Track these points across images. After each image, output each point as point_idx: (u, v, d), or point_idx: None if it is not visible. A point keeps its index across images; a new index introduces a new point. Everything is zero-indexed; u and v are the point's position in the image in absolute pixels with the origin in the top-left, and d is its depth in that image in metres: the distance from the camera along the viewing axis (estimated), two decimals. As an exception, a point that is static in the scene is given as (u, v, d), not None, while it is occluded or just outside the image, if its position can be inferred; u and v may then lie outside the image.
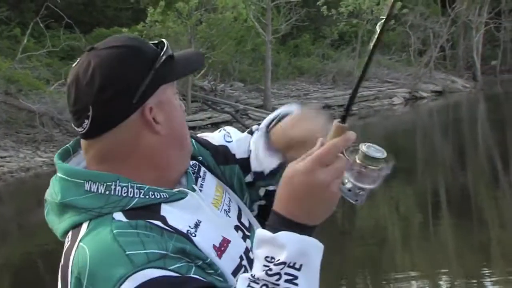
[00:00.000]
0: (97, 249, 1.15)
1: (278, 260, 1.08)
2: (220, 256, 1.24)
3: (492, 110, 23.28)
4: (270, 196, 1.42)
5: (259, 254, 1.11)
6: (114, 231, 1.16)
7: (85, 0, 27.11)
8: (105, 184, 1.22)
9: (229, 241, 1.27)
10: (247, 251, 1.31)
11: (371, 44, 1.15)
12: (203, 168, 1.40)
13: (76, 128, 1.26)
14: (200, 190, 1.33)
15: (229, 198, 1.39)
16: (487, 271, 6.59)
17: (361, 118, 22.52)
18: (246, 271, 1.25)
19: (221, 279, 1.20)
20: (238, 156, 1.47)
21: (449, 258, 7.39)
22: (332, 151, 1.11)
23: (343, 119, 1.15)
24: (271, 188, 1.44)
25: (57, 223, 1.26)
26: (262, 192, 1.47)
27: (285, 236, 1.09)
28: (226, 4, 21.33)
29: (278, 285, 1.08)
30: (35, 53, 20.17)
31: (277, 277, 1.08)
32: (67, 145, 1.34)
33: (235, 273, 1.24)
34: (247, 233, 1.36)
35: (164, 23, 20.69)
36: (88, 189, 1.22)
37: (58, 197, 1.24)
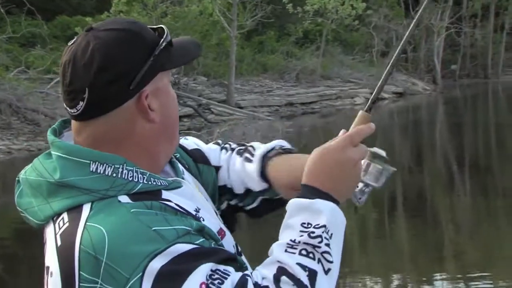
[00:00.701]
0: (116, 228, 1.13)
1: (318, 224, 1.15)
2: (222, 239, 1.27)
3: (451, 113, 23.72)
4: (230, 209, 1.48)
5: (293, 222, 1.17)
6: (132, 210, 1.15)
7: (48, -13, 26.66)
8: (113, 166, 1.20)
9: (224, 231, 1.30)
10: (236, 243, 1.34)
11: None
12: (181, 165, 1.41)
13: (68, 109, 1.22)
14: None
15: (204, 195, 1.41)
16: (439, 270, 6.72)
17: (323, 116, 22.70)
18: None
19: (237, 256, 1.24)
20: (212, 162, 1.49)
21: (403, 256, 7.51)
22: (361, 134, 1.25)
23: (369, 110, 1.29)
24: (232, 203, 1.48)
25: (41, 204, 1.21)
26: (224, 205, 1.49)
27: (322, 203, 1.18)
28: (192, -3, 21.25)
29: (319, 247, 1.13)
30: (-5, 39, 19.78)
31: (319, 239, 1.14)
32: (53, 125, 1.32)
33: None
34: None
35: (129, 14, 20.51)
36: (94, 170, 1.19)
37: (55, 176, 1.20)
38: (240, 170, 1.46)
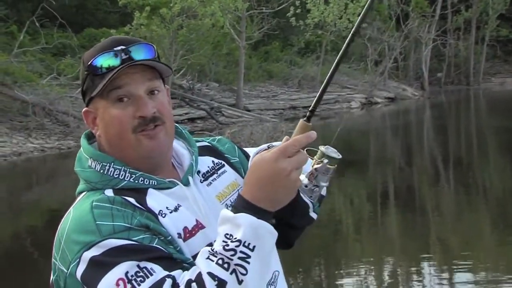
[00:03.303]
0: (76, 216, 1.19)
1: (235, 237, 1.10)
2: (186, 238, 1.24)
3: (437, 116, 23.62)
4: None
5: (220, 231, 1.13)
6: (94, 203, 1.19)
7: (77, 3, 26.71)
8: (101, 164, 1.26)
9: (203, 227, 1.27)
10: None
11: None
12: (226, 168, 1.42)
13: None
14: (210, 184, 1.36)
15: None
16: (427, 257, 6.70)
17: (322, 119, 22.65)
18: None
19: (179, 254, 1.21)
20: None
21: (394, 245, 7.49)
22: (295, 145, 1.14)
23: (308, 119, 1.20)
24: None
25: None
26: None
27: (243, 217, 1.12)
28: (205, 12, 21.21)
29: (232, 260, 1.09)
30: (30, 49, 19.83)
31: (232, 252, 1.10)
32: None
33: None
34: None
35: (148, 27, 20.51)
36: (90, 165, 1.28)
37: (75, 166, 1.31)
38: None
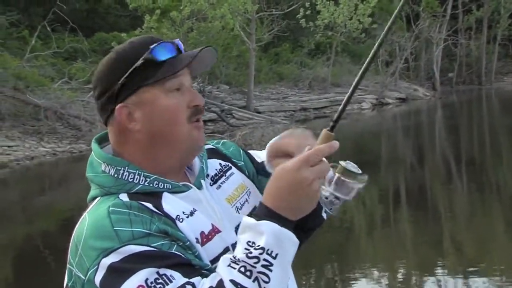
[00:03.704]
0: (93, 221, 1.17)
1: (259, 245, 1.10)
2: (204, 243, 1.23)
3: (448, 116, 23.49)
4: None
5: (242, 238, 1.13)
6: (110, 208, 1.17)
7: (88, 7, 26.87)
8: (115, 168, 1.24)
9: (218, 232, 1.27)
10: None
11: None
12: (233, 171, 1.42)
13: None
14: (219, 187, 1.36)
15: (246, 198, 1.40)
16: (440, 261, 6.65)
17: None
18: None
19: (198, 260, 1.20)
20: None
21: (406, 248, 7.45)
22: (317, 154, 1.15)
23: (332, 129, 1.20)
24: None
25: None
26: None
27: (266, 224, 1.11)
28: (215, 14, 21.26)
29: (255, 267, 1.09)
30: (42, 53, 19.96)
31: (255, 260, 1.09)
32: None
33: (215, 260, 1.22)
34: None
35: (159, 30, 20.58)
36: (103, 169, 1.26)
37: (87, 171, 1.29)
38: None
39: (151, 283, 1.09)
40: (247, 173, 1.45)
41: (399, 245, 7.44)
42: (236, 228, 1.30)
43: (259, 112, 22.49)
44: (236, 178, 1.41)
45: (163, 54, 1.25)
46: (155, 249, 1.12)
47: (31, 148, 15.44)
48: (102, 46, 23.38)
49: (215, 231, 1.26)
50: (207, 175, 1.37)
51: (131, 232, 1.13)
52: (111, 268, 1.11)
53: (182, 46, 1.30)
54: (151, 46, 1.24)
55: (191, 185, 1.29)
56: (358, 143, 14.49)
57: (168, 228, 1.17)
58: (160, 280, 1.09)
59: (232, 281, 1.08)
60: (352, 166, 1.18)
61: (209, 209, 1.29)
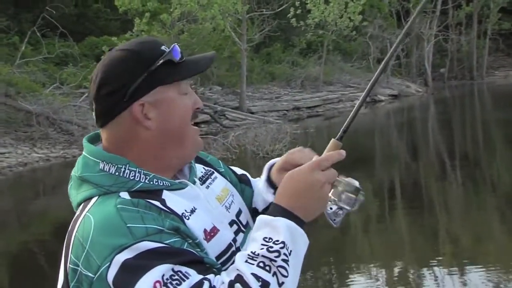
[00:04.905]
0: (101, 219, 1.16)
1: (278, 240, 1.13)
2: (208, 240, 1.24)
3: (441, 112, 23.57)
4: None
5: (257, 235, 1.15)
6: (118, 206, 1.17)
7: (78, 12, 26.79)
8: (116, 166, 1.23)
9: (218, 230, 1.28)
10: (234, 242, 1.32)
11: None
12: (216, 175, 1.45)
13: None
14: (207, 187, 1.38)
15: (232, 200, 1.42)
16: (435, 255, 6.67)
17: (327, 118, 22.66)
18: (230, 257, 1.26)
19: (209, 258, 1.21)
20: (252, 186, 1.55)
21: (402, 244, 7.47)
22: (328, 159, 1.24)
23: (340, 138, 1.29)
24: None
25: (75, 195, 1.27)
26: None
27: (282, 220, 1.16)
28: (205, 16, 21.24)
29: (275, 261, 1.11)
30: (32, 59, 19.87)
31: (276, 254, 1.12)
32: (98, 130, 1.37)
33: (219, 257, 1.25)
34: (242, 228, 1.38)
35: (149, 33, 20.54)
36: (102, 168, 1.24)
37: (78, 171, 1.26)
38: (258, 187, 1.51)
39: (167, 279, 1.09)
40: (228, 179, 1.48)
41: (395, 241, 7.46)
42: (230, 225, 1.34)
43: (252, 113, 22.49)
44: (220, 182, 1.44)
45: (178, 56, 1.28)
46: (169, 246, 1.13)
47: (24, 155, 15.37)
48: (93, 50, 23.32)
49: (216, 228, 1.27)
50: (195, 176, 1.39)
51: (145, 228, 1.13)
52: (125, 264, 1.10)
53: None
54: (171, 47, 1.27)
55: (187, 182, 1.30)
56: (352, 140, 14.49)
57: (179, 225, 1.18)
58: (176, 277, 1.09)
59: (254, 274, 1.10)
60: (354, 181, 1.26)
61: (207, 205, 1.30)
